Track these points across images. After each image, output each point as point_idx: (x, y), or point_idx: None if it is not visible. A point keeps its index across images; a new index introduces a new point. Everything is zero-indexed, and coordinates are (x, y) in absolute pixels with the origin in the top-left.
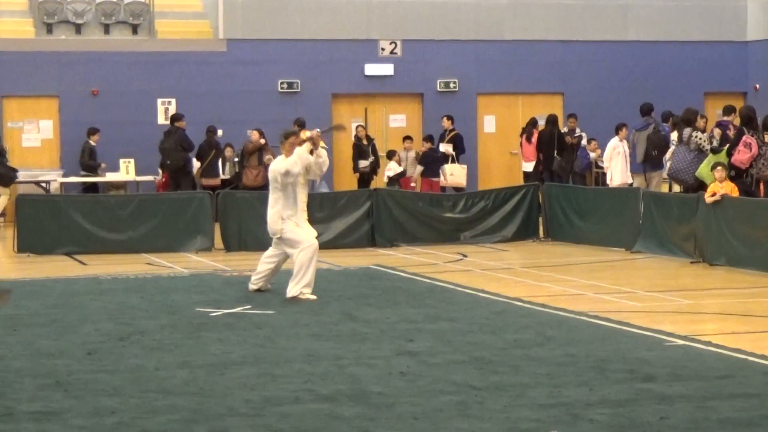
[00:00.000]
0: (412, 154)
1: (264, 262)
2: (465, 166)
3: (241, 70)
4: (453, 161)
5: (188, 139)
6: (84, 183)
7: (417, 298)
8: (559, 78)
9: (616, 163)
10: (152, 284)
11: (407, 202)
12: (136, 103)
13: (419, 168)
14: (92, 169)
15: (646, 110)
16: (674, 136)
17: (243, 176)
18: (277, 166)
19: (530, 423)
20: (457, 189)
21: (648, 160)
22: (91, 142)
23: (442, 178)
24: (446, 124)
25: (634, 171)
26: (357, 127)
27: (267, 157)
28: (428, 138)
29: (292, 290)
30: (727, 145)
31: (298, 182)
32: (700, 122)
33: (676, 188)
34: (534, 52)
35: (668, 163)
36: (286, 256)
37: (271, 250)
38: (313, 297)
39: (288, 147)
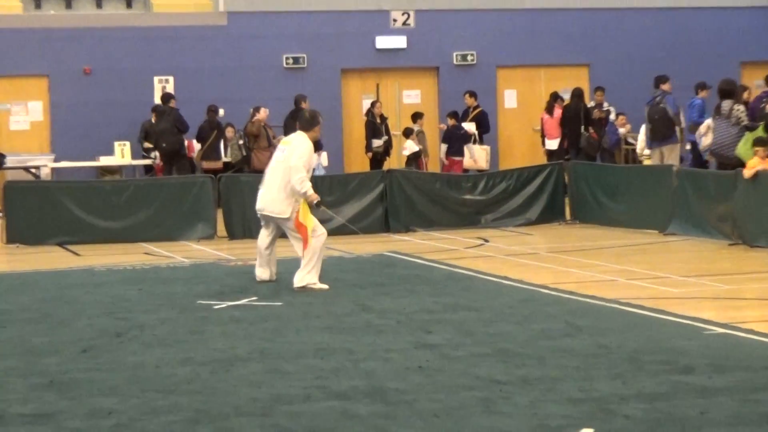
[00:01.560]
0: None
1: (263, 251)
2: (487, 148)
3: (244, 44)
4: (476, 141)
5: (183, 120)
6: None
7: (435, 287)
8: (585, 49)
9: None
10: (151, 275)
11: (423, 183)
12: (131, 81)
13: (443, 146)
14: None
15: (656, 83)
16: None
17: (253, 159)
18: (306, 154)
19: (560, 419)
20: (479, 172)
21: (653, 135)
22: None
23: (467, 157)
24: (469, 101)
25: (648, 146)
26: (373, 103)
27: (278, 137)
28: (452, 114)
29: (302, 279)
30: (763, 123)
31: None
32: (744, 94)
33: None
34: (557, 21)
35: (703, 139)
36: (278, 232)
37: (264, 233)
38: (324, 286)
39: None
